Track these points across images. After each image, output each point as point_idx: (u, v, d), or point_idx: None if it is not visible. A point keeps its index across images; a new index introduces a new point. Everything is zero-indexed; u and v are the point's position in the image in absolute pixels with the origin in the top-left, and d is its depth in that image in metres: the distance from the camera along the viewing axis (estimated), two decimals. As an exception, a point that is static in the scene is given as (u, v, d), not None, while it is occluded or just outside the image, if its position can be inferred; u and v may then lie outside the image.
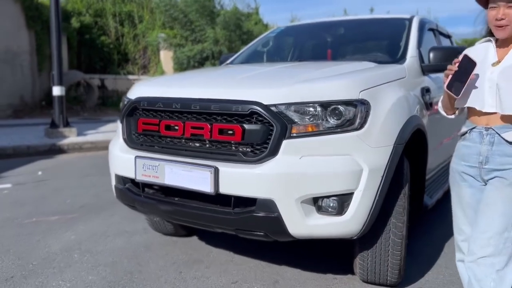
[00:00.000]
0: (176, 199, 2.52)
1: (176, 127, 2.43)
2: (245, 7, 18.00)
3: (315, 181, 2.14)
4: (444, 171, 3.85)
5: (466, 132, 1.97)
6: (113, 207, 4.27)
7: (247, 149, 2.25)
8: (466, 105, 1.96)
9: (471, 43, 6.75)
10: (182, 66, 14.91)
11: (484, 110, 1.88)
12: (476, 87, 1.90)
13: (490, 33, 1.96)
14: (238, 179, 2.20)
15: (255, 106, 2.20)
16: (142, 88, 2.73)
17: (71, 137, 8.86)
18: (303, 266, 2.93)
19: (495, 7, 1.84)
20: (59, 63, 9.01)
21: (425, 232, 3.60)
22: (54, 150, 8.07)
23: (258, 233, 2.27)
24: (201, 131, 2.33)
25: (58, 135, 8.86)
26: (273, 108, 2.19)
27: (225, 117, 2.29)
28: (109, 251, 3.24)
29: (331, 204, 2.21)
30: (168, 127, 2.47)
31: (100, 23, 17.55)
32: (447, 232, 3.13)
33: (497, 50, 1.91)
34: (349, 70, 2.67)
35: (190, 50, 14.86)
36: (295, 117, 2.19)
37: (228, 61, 4.08)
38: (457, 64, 1.88)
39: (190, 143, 2.42)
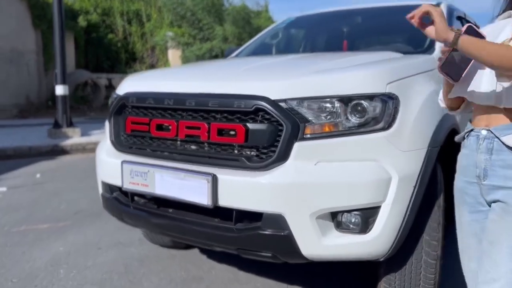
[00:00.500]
0: (170, 211, 2.16)
1: (169, 127, 2.07)
2: (255, 5, 17.66)
3: (334, 192, 1.76)
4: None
5: (463, 137, 1.52)
6: (109, 214, 3.92)
7: (252, 153, 1.89)
8: (463, 94, 1.47)
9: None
10: (190, 65, 14.58)
11: (478, 102, 1.42)
12: (480, 70, 1.40)
13: (510, 4, 1.48)
14: (241, 189, 1.83)
15: (260, 102, 1.83)
16: (132, 83, 2.37)
17: (74, 138, 8.58)
18: (317, 287, 2.55)
19: None
20: (63, 61, 8.72)
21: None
22: (57, 151, 7.79)
23: (264, 254, 1.90)
24: (198, 131, 1.97)
25: (61, 135, 8.58)
26: (282, 104, 1.82)
27: (225, 115, 1.92)
28: (99, 266, 2.89)
29: (353, 220, 1.83)
30: (159, 127, 2.11)
31: (107, 21, 17.34)
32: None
33: None
34: (372, 60, 2.28)
35: (199, 49, 14.54)
36: (309, 114, 1.81)
37: (233, 54, 3.72)
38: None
39: (185, 146, 2.06)
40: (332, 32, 3.65)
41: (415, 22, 1.39)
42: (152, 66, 17.63)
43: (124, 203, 2.27)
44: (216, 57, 14.46)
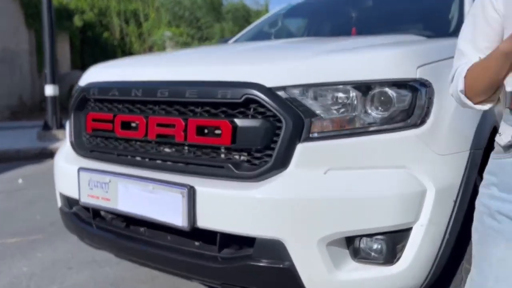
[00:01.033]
0: (142, 230, 1.71)
1: (137, 125, 1.62)
2: (254, 5, 17.28)
3: (350, 211, 1.31)
4: None
5: None
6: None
7: (241, 159, 1.44)
8: None
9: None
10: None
11: None
12: None
13: None
14: (226, 206, 1.38)
15: (252, 90, 1.38)
16: (96, 71, 1.93)
17: (64, 140, 8.13)
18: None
19: None
20: (52, 61, 8.29)
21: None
22: (45, 154, 7.34)
23: (257, 291, 1.45)
24: (172, 130, 1.52)
25: (51, 137, 8.15)
26: (281, 93, 1.37)
27: (206, 108, 1.48)
28: (65, 291, 2.44)
29: (376, 247, 1.38)
30: (125, 125, 1.67)
31: (104, 21, 16.94)
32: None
33: None
34: (394, 41, 1.83)
35: (197, 49, 14.15)
36: (316, 107, 1.37)
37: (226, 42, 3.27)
38: None
39: (156, 149, 1.61)
40: (340, 19, 3.19)
41: None
42: (150, 67, 17.19)
43: (85, 221, 1.82)
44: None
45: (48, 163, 6.84)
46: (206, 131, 1.48)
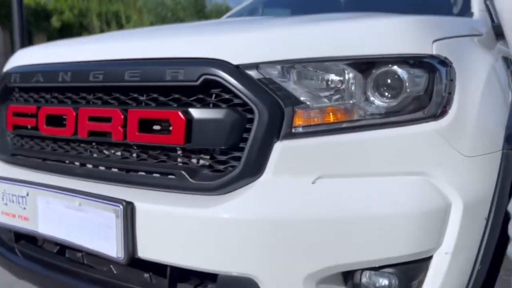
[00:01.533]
0: (79, 255, 1.31)
1: (64, 120, 1.23)
2: (237, 5, 17.01)
3: (348, 236, 0.93)
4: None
5: None
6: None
7: (198, 163, 1.06)
8: None
9: None
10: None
11: None
12: None
13: None
14: (177, 230, 0.99)
15: (213, 70, 1.00)
16: (21, 53, 1.53)
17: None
18: None
19: None
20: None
21: None
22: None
23: None
24: (107, 125, 1.13)
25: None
26: (252, 73, 0.99)
27: (152, 95, 1.09)
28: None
29: (383, 283, 1.00)
30: (51, 120, 1.27)
31: (85, 23, 16.49)
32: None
33: None
34: (400, 15, 1.47)
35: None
36: (300, 92, 0.99)
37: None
38: None
39: (88, 151, 1.22)
40: (330, 3, 2.83)
41: None
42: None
43: (6, 244, 1.42)
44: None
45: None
46: (151, 126, 1.09)
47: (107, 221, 1.03)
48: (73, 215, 1.10)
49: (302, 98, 0.98)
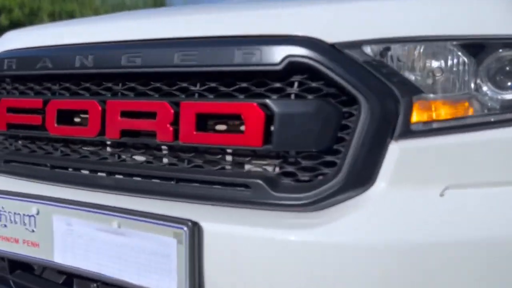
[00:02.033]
0: (93, 286, 1.04)
1: (85, 116, 0.96)
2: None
3: (498, 262, 0.73)
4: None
5: None
6: None
7: (281, 170, 0.83)
8: None
9: None
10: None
11: None
12: None
13: None
14: (261, 259, 0.76)
15: (302, 50, 0.77)
16: (16, 34, 1.23)
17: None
18: None
19: None
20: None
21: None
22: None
23: None
24: (151, 122, 0.87)
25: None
26: (355, 53, 0.77)
27: (214, 84, 0.85)
28: None
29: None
30: (65, 117, 0.99)
31: (35, 22, 15.65)
32: None
33: None
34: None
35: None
36: (419, 79, 0.79)
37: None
38: None
39: (122, 157, 0.95)
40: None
41: None
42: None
43: (-3, 275, 1.12)
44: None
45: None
46: (214, 123, 0.85)
47: (164, 249, 0.77)
48: (108, 240, 0.83)
49: (420, 85, 0.78)
